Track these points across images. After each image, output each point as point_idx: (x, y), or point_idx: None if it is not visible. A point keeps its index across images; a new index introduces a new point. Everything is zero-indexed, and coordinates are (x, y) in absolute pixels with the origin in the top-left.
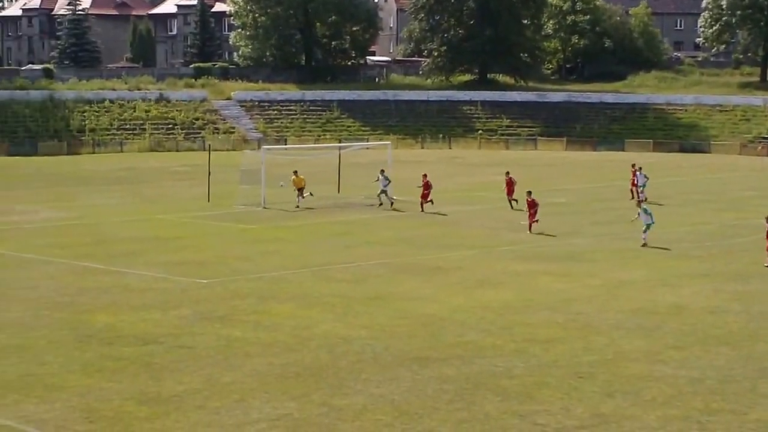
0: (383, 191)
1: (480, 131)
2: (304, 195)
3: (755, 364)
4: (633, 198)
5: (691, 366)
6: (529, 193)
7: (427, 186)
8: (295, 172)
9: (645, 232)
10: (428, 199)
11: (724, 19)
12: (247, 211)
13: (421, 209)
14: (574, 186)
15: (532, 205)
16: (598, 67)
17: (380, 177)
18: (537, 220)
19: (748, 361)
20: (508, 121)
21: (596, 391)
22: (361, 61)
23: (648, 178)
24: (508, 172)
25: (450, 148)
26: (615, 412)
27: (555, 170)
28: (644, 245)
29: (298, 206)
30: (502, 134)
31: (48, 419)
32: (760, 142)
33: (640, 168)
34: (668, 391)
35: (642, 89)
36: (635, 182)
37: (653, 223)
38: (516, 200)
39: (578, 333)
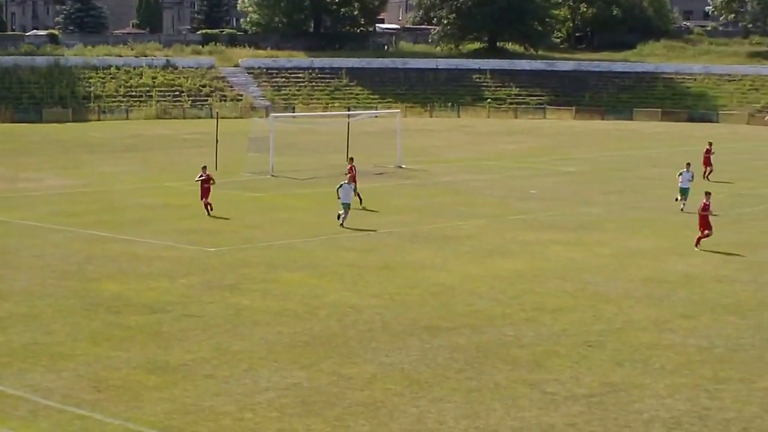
0: (345, 205)
1: (489, 100)
2: None
3: (764, 333)
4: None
5: (699, 335)
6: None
7: (207, 180)
8: None
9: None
10: (207, 199)
11: None
12: (255, 179)
13: (207, 212)
14: (583, 155)
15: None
16: (607, 36)
17: (345, 184)
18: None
19: (756, 330)
20: (518, 89)
21: (606, 359)
22: (370, 29)
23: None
24: (351, 158)
25: (459, 117)
26: (624, 380)
27: (564, 139)
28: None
29: None
30: (511, 103)
31: (54, 388)
32: None
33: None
34: (677, 360)
35: (651, 58)
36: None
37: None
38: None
39: (588, 302)
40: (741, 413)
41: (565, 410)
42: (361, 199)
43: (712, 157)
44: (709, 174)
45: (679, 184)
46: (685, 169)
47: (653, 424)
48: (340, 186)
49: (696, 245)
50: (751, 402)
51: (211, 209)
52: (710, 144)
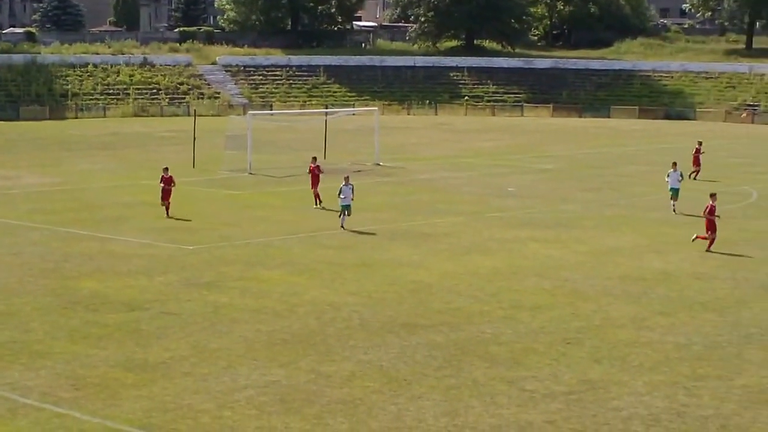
0: (346, 207)
1: (466, 97)
2: None
3: (741, 331)
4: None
5: (677, 332)
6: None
7: (168, 182)
8: None
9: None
10: (168, 200)
11: None
12: (232, 176)
13: (167, 214)
14: (561, 152)
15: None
16: (585, 34)
17: (343, 187)
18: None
19: (734, 327)
20: (495, 87)
21: (584, 357)
22: (348, 26)
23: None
24: (314, 157)
25: (436, 115)
26: (602, 377)
27: (541, 136)
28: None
29: None
30: (489, 100)
31: (33, 386)
32: (745, 109)
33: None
34: (655, 357)
35: (628, 56)
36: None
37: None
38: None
39: (566, 299)
40: (719, 410)
41: (543, 407)
42: (320, 201)
43: (701, 156)
44: (696, 174)
45: (669, 185)
46: (672, 170)
47: (632, 421)
48: (340, 191)
49: (694, 239)
50: (729, 399)
51: (168, 210)
52: (700, 143)
